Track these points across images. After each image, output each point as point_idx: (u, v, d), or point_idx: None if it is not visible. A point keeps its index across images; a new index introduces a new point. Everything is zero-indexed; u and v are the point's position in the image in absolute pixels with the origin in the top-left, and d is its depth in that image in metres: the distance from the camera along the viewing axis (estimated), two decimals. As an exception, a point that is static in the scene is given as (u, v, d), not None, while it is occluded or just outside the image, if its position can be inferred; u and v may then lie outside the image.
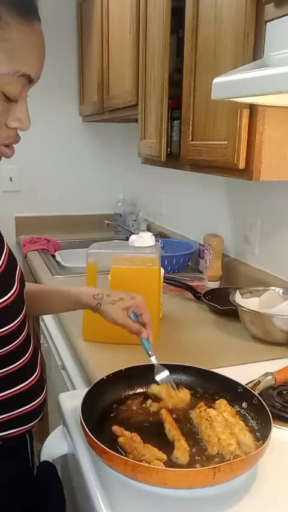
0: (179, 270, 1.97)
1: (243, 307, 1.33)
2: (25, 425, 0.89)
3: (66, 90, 2.71)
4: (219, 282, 1.82)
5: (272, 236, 1.65)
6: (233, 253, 1.88)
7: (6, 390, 0.85)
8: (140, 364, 1.01)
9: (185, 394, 0.95)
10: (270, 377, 0.99)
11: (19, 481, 0.93)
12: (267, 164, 1.17)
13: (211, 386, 0.98)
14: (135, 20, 1.77)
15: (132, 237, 1.34)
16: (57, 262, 2.25)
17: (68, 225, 2.83)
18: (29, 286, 1.02)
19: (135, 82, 1.82)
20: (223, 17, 1.21)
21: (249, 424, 0.88)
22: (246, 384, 0.97)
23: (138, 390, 0.99)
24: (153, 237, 1.36)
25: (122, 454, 0.76)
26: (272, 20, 1.04)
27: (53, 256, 2.35)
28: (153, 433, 0.86)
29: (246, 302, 1.37)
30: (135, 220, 2.69)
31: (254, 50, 1.10)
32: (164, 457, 0.79)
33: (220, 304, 1.50)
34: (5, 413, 0.86)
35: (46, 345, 1.74)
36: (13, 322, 0.83)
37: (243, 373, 1.02)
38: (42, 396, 0.93)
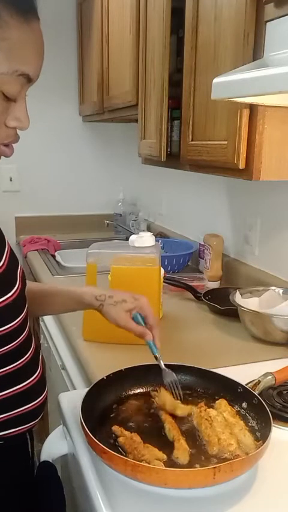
0: (179, 270, 1.97)
1: (243, 307, 1.33)
2: (26, 424, 0.89)
3: (66, 90, 2.71)
4: (219, 282, 1.82)
5: (272, 236, 1.65)
6: (233, 253, 1.88)
7: (7, 389, 0.85)
8: (140, 364, 1.01)
9: (189, 409, 0.93)
10: (270, 377, 0.99)
11: (19, 480, 0.93)
12: (267, 164, 1.17)
13: (211, 386, 0.98)
14: (135, 20, 1.77)
15: (132, 237, 1.35)
16: (57, 262, 2.25)
17: (68, 225, 2.83)
18: (30, 285, 1.02)
19: (135, 82, 1.82)
20: (223, 17, 1.21)
21: (249, 424, 0.88)
22: (246, 384, 0.97)
23: (138, 390, 0.99)
24: (153, 237, 1.36)
25: (122, 454, 0.76)
26: (272, 20, 1.04)
27: (53, 256, 2.35)
28: (153, 433, 0.86)
29: (246, 302, 1.37)
30: (135, 220, 2.69)
31: (254, 50, 1.10)
32: (164, 457, 0.79)
33: (220, 304, 1.50)
34: (6, 412, 0.86)
35: (46, 345, 1.75)
36: (15, 320, 0.83)
37: (243, 373, 1.02)
38: (43, 395, 0.93)
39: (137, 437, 0.81)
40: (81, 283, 1.31)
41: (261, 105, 1.12)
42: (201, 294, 1.62)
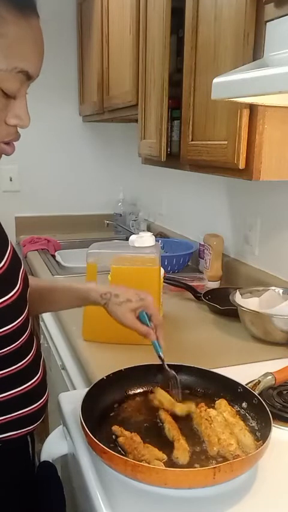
0: (179, 270, 1.97)
1: (243, 307, 1.33)
2: (27, 427, 0.89)
3: (66, 90, 2.71)
4: (219, 282, 1.82)
5: (272, 236, 1.65)
6: (233, 253, 1.88)
7: (8, 391, 0.85)
8: (140, 364, 1.01)
9: (188, 407, 0.93)
10: (270, 377, 0.99)
11: (19, 480, 0.93)
12: (267, 164, 1.17)
13: (211, 386, 0.98)
14: (135, 20, 1.77)
15: (132, 237, 1.34)
16: (57, 262, 2.25)
17: (68, 225, 2.83)
18: (37, 281, 1.02)
19: (135, 82, 1.82)
20: (223, 17, 1.21)
21: (249, 424, 0.88)
22: (246, 384, 0.97)
23: (138, 390, 0.99)
24: (153, 237, 1.36)
25: (122, 454, 0.76)
26: (272, 20, 1.04)
27: (53, 256, 2.35)
28: (153, 433, 0.86)
29: (246, 302, 1.37)
30: (135, 220, 2.69)
31: (254, 50, 1.10)
32: (164, 457, 0.79)
33: (220, 304, 1.50)
34: (7, 415, 0.85)
35: (46, 345, 1.75)
36: (15, 321, 0.83)
37: (243, 373, 1.02)
38: (44, 398, 0.93)
39: (137, 437, 0.81)
40: (81, 283, 1.31)
41: (261, 105, 1.12)
42: (201, 294, 1.62)
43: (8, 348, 0.83)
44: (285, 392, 1.03)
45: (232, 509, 0.72)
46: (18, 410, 0.87)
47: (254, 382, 0.98)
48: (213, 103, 1.26)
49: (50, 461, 0.94)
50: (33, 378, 0.89)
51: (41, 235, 2.60)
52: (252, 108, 1.14)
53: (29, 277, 0.94)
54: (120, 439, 0.82)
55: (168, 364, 0.98)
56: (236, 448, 0.80)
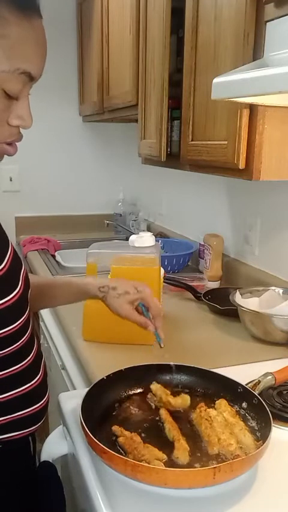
0: (179, 270, 1.97)
1: (243, 307, 1.33)
2: (28, 428, 0.89)
3: (66, 90, 2.71)
4: (219, 282, 1.82)
5: (272, 236, 1.65)
6: (233, 253, 1.88)
7: (9, 391, 0.85)
8: (140, 364, 1.01)
9: (184, 400, 0.94)
10: (270, 377, 0.99)
11: (20, 480, 0.93)
12: (267, 164, 1.17)
13: (211, 386, 0.98)
14: (135, 20, 1.77)
15: (132, 237, 1.34)
16: (57, 262, 2.25)
17: (68, 225, 2.83)
18: (35, 279, 1.02)
19: (135, 82, 1.82)
20: (223, 17, 1.21)
21: (249, 424, 0.88)
22: (246, 384, 0.97)
23: (139, 390, 0.99)
24: (153, 237, 1.36)
25: (122, 454, 0.76)
26: (272, 20, 1.04)
27: (53, 256, 2.35)
28: (153, 433, 0.86)
29: (246, 302, 1.37)
30: (135, 220, 2.69)
31: (254, 50, 1.10)
32: (164, 457, 0.79)
33: (220, 304, 1.50)
34: (8, 415, 0.85)
35: (46, 345, 1.75)
36: (16, 322, 0.83)
37: (243, 373, 1.02)
38: (45, 399, 0.92)
39: (137, 437, 0.81)
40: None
41: (261, 105, 1.12)
42: (201, 294, 1.62)
43: (8, 349, 0.83)
44: (285, 392, 1.03)
45: (232, 509, 0.72)
46: (19, 411, 0.87)
47: (254, 382, 0.98)
48: (213, 103, 1.26)
49: (50, 461, 0.94)
50: (33, 379, 0.89)
51: (41, 235, 2.60)
52: (252, 108, 1.14)
53: (29, 275, 0.94)
54: (120, 439, 0.82)
55: (165, 364, 0.99)
56: (236, 448, 0.80)
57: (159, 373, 1.00)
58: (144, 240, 1.33)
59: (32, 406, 0.89)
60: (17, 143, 0.77)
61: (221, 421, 0.86)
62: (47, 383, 0.95)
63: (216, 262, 1.81)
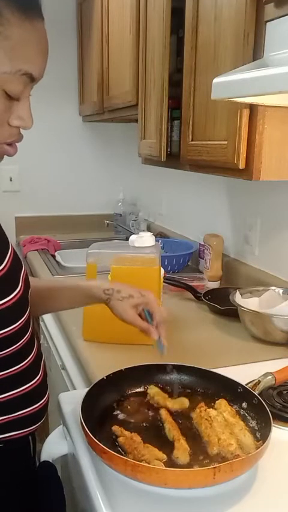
0: (179, 270, 1.97)
1: (243, 307, 1.33)
2: (27, 427, 0.89)
3: (66, 90, 2.71)
4: (219, 282, 1.82)
5: (272, 236, 1.65)
6: (233, 253, 1.88)
7: (8, 391, 0.85)
8: (140, 364, 1.01)
9: (182, 403, 0.94)
10: (270, 377, 0.99)
11: (20, 480, 0.93)
12: (267, 164, 1.17)
13: (211, 386, 0.98)
14: (135, 20, 1.77)
15: (132, 237, 1.34)
16: (57, 262, 2.25)
17: (68, 225, 2.83)
18: (35, 282, 1.02)
19: (135, 82, 1.82)
20: (223, 17, 1.21)
21: (249, 424, 0.88)
22: (246, 384, 0.97)
23: (138, 390, 0.99)
24: (153, 237, 1.36)
25: (122, 454, 0.76)
26: (272, 20, 1.04)
27: (53, 256, 2.35)
28: (153, 433, 0.86)
29: (246, 302, 1.37)
30: (135, 220, 2.69)
31: (254, 50, 1.10)
32: (164, 457, 0.79)
33: (220, 304, 1.50)
34: (7, 415, 0.85)
35: (46, 345, 1.75)
36: (16, 323, 0.83)
37: (243, 373, 1.02)
38: (45, 398, 0.93)
39: (137, 437, 0.81)
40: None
41: (261, 105, 1.12)
42: (201, 294, 1.62)
43: (9, 349, 0.83)
44: (285, 392, 1.03)
45: (232, 509, 0.72)
46: (19, 411, 0.87)
47: (254, 382, 0.98)
48: (213, 103, 1.26)
49: (50, 461, 0.94)
50: (33, 379, 0.89)
51: (41, 235, 2.60)
52: (252, 108, 1.14)
53: (31, 278, 0.94)
54: (120, 439, 0.82)
55: (165, 364, 0.98)
56: (236, 448, 0.80)
57: (159, 373, 1.00)
58: (144, 240, 1.33)
59: (32, 405, 0.89)
60: (17, 144, 0.77)
61: (221, 421, 0.86)
62: (47, 383, 0.95)
63: (216, 262, 1.81)
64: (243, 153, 1.18)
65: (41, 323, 1.87)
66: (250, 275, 1.72)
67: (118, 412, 0.93)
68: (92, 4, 2.31)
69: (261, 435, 0.83)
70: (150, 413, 0.92)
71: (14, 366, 0.85)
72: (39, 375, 0.91)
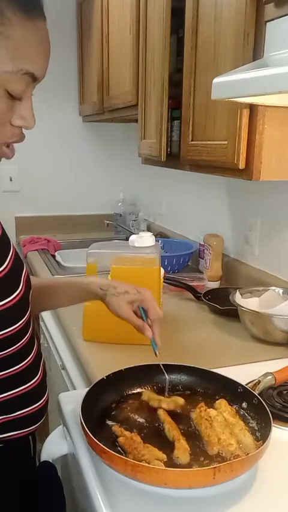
0: (179, 270, 1.97)
1: (243, 307, 1.33)
2: (28, 427, 0.89)
3: (66, 90, 2.71)
4: (219, 282, 1.82)
5: (272, 236, 1.65)
6: (233, 253, 1.88)
7: (8, 391, 0.85)
8: (140, 364, 1.01)
9: (177, 402, 0.94)
10: (270, 377, 0.99)
11: (20, 480, 0.93)
12: (267, 164, 1.17)
13: (211, 386, 0.98)
14: (135, 20, 1.77)
15: (132, 237, 1.34)
16: (57, 262, 2.25)
17: (68, 225, 2.83)
18: (36, 280, 1.02)
19: (135, 82, 1.82)
20: (223, 17, 1.21)
21: (249, 424, 0.88)
22: (246, 384, 0.97)
23: (138, 390, 0.99)
24: (153, 237, 1.36)
25: (122, 454, 0.76)
26: (272, 20, 1.04)
27: (53, 256, 2.35)
28: (153, 433, 0.86)
29: (246, 302, 1.37)
30: (135, 220, 2.69)
31: (254, 50, 1.10)
32: (164, 457, 0.79)
33: (220, 304, 1.50)
34: (7, 415, 0.86)
35: (46, 345, 1.75)
36: (17, 323, 0.83)
37: (243, 373, 1.02)
38: (44, 398, 0.93)
39: (137, 437, 0.81)
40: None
41: (261, 105, 1.12)
42: (201, 294, 1.62)
43: (9, 350, 0.83)
44: (285, 392, 1.03)
45: (232, 509, 0.72)
46: (19, 411, 0.87)
47: (254, 382, 0.98)
48: (213, 103, 1.26)
49: (50, 461, 0.94)
50: (33, 379, 0.89)
51: (41, 235, 2.60)
52: (252, 108, 1.14)
53: (30, 277, 0.94)
54: (120, 439, 0.82)
55: (165, 364, 0.98)
56: (236, 448, 0.80)
57: (159, 373, 1.00)
58: (144, 240, 1.33)
59: (32, 405, 0.89)
60: (14, 145, 0.77)
61: (221, 421, 0.86)
62: (47, 383, 0.96)
63: (216, 262, 1.81)
64: (243, 153, 1.18)
65: (41, 323, 1.87)
66: (250, 275, 1.72)
67: (118, 412, 0.93)
68: (92, 4, 2.31)
69: (261, 435, 0.83)
70: (150, 413, 0.92)
71: (14, 366, 0.85)
72: (38, 374, 0.91)
